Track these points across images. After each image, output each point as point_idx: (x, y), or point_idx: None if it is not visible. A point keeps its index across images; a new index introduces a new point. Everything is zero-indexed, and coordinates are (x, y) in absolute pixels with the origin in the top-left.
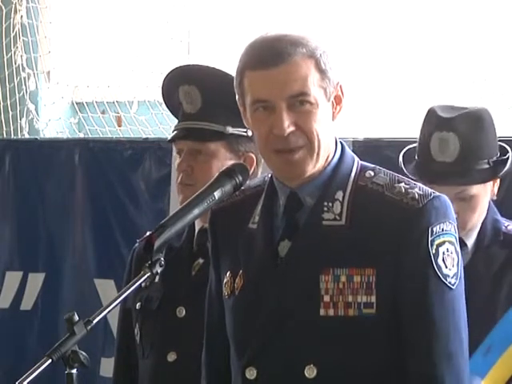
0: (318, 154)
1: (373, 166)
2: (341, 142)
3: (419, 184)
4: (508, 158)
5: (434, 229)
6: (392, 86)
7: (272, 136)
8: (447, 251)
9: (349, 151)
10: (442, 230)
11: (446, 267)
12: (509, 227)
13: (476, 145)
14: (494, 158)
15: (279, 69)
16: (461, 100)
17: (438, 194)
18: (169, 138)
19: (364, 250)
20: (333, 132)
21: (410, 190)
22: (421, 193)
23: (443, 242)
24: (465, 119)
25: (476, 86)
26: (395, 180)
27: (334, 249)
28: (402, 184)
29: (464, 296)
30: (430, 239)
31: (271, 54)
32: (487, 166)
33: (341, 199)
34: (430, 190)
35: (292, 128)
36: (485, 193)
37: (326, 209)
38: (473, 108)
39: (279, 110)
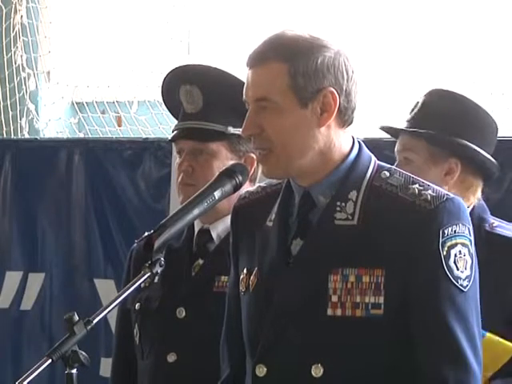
0: (287, 159)
1: (389, 166)
2: (359, 142)
3: (433, 186)
4: None
5: (446, 231)
6: (392, 86)
7: None
8: (459, 253)
9: (366, 151)
10: (455, 232)
11: (458, 269)
12: (494, 225)
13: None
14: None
15: (253, 71)
16: None
17: (451, 195)
18: (169, 137)
19: (374, 251)
20: (327, 136)
21: (423, 192)
22: (434, 194)
23: (455, 244)
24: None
25: (476, 86)
26: (410, 181)
27: (344, 248)
28: (416, 185)
29: (478, 298)
30: (441, 241)
31: (253, 55)
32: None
33: (354, 199)
34: (443, 192)
35: (256, 130)
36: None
37: (338, 208)
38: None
39: (248, 111)
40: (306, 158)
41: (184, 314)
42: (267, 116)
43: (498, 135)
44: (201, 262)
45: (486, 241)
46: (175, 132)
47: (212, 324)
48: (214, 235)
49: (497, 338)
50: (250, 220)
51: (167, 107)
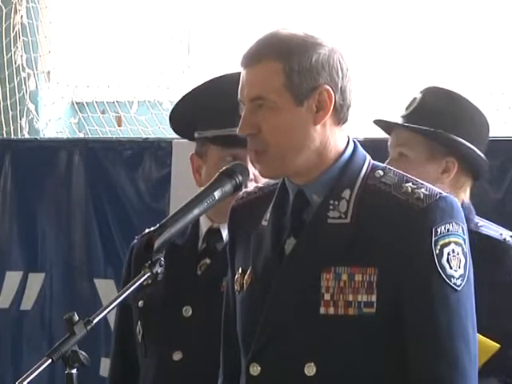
0: (283, 158)
1: (384, 165)
2: (354, 141)
3: (427, 184)
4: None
5: (439, 229)
6: (392, 86)
7: None
8: (453, 252)
9: (361, 151)
10: (448, 230)
11: (451, 268)
12: (478, 225)
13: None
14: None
15: (248, 70)
16: None
17: (444, 194)
18: (218, 141)
19: (367, 249)
20: (322, 134)
21: (416, 190)
22: (426, 193)
23: (448, 243)
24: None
25: (476, 86)
26: (403, 180)
27: (337, 247)
28: (410, 184)
29: (473, 298)
30: (433, 239)
31: (248, 55)
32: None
33: (347, 198)
34: (436, 191)
35: (252, 130)
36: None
37: (331, 207)
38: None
39: (244, 111)
40: (301, 156)
41: (191, 312)
42: (263, 115)
43: (499, 135)
44: (208, 261)
45: (470, 241)
46: (226, 137)
47: (218, 323)
48: (224, 235)
49: (479, 335)
50: (246, 220)
51: (199, 105)
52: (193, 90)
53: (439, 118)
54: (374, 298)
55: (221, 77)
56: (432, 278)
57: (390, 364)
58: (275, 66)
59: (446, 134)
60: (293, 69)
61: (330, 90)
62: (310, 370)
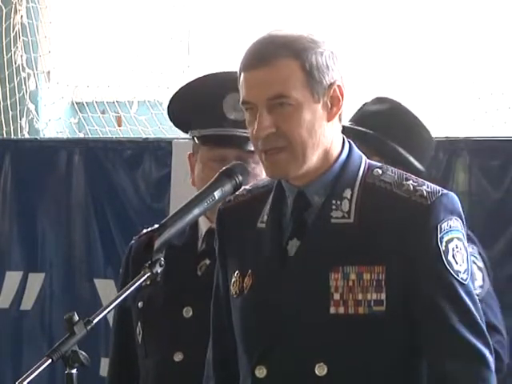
0: (303, 155)
1: (380, 164)
2: (349, 141)
3: (427, 182)
4: None
5: (443, 226)
6: (392, 86)
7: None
8: (456, 247)
9: (357, 150)
10: (450, 226)
11: (457, 263)
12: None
13: None
14: None
15: (260, 71)
16: (461, 100)
17: (446, 191)
18: (206, 141)
19: (373, 248)
20: (331, 132)
21: (418, 188)
22: (429, 190)
23: (452, 239)
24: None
25: (476, 86)
26: (403, 178)
27: (343, 247)
28: (410, 182)
29: (474, 290)
30: (439, 236)
31: (255, 57)
32: None
33: (349, 197)
34: (438, 188)
35: (272, 129)
36: None
37: (334, 207)
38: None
39: (260, 112)
40: (316, 154)
41: (191, 313)
42: (283, 113)
43: (499, 135)
44: (208, 261)
45: None
46: (213, 137)
47: None
48: None
49: None
50: (237, 223)
51: (180, 110)
52: (183, 87)
53: (372, 121)
54: (383, 296)
55: (207, 76)
56: (440, 273)
57: (400, 362)
58: (292, 64)
59: (373, 134)
60: (312, 65)
61: (342, 85)
62: (321, 370)
